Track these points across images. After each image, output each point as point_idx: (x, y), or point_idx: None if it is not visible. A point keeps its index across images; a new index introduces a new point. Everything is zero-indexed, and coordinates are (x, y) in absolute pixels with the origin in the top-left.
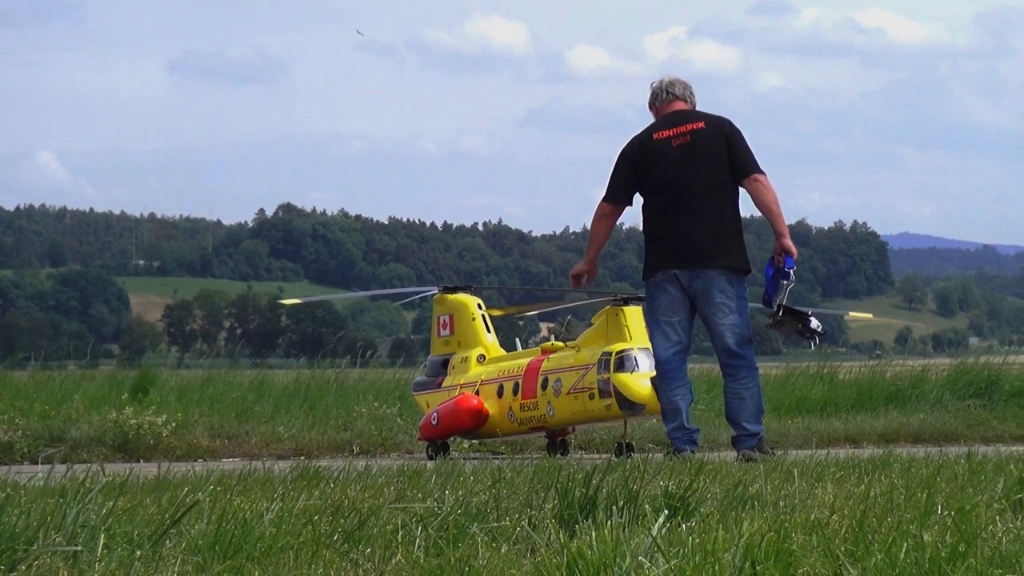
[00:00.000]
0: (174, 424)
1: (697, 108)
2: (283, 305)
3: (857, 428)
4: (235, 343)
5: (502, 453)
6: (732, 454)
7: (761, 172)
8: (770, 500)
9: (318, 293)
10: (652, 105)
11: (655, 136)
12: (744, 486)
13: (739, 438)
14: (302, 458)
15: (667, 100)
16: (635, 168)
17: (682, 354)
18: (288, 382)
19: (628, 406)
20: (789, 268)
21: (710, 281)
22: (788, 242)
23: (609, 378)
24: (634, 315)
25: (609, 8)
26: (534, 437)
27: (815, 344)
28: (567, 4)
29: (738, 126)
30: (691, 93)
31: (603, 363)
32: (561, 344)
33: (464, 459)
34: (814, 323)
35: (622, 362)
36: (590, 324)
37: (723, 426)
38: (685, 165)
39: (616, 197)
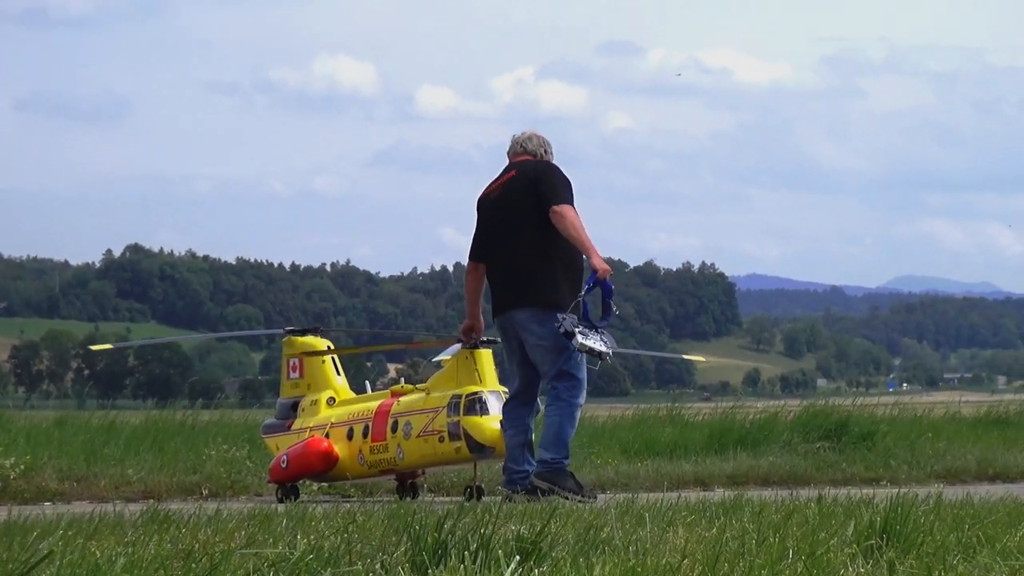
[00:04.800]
0: (23, 466)
1: (551, 161)
2: (93, 351)
3: (707, 470)
4: (83, 384)
5: (352, 496)
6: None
7: (560, 203)
8: (622, 544)
9: (166, 334)
10: (509, 156)
11: (483, 194)
12: (595, 530)
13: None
14: (152, 501)
15: (517, 153)
16: (478, 224)
17: (515, 399)
18: (137, 424)
19: (478, 449)
20: (589, 284)
21: (520, 323)
22: (595, 261)
23: (459, 421)
24: (485, 358)
25: (457, 48)
26: (384, 480)
27: (597, 366)
28: (415, 44)
29: (553, 167)
30: (545, 149)
31: (453, 406)
32: (411, 387)
33: (314, 502)
34: (599, 346)
35: (472, 405)
36: (440, 366)
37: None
38: (497, 215)
39: (473, 254)
